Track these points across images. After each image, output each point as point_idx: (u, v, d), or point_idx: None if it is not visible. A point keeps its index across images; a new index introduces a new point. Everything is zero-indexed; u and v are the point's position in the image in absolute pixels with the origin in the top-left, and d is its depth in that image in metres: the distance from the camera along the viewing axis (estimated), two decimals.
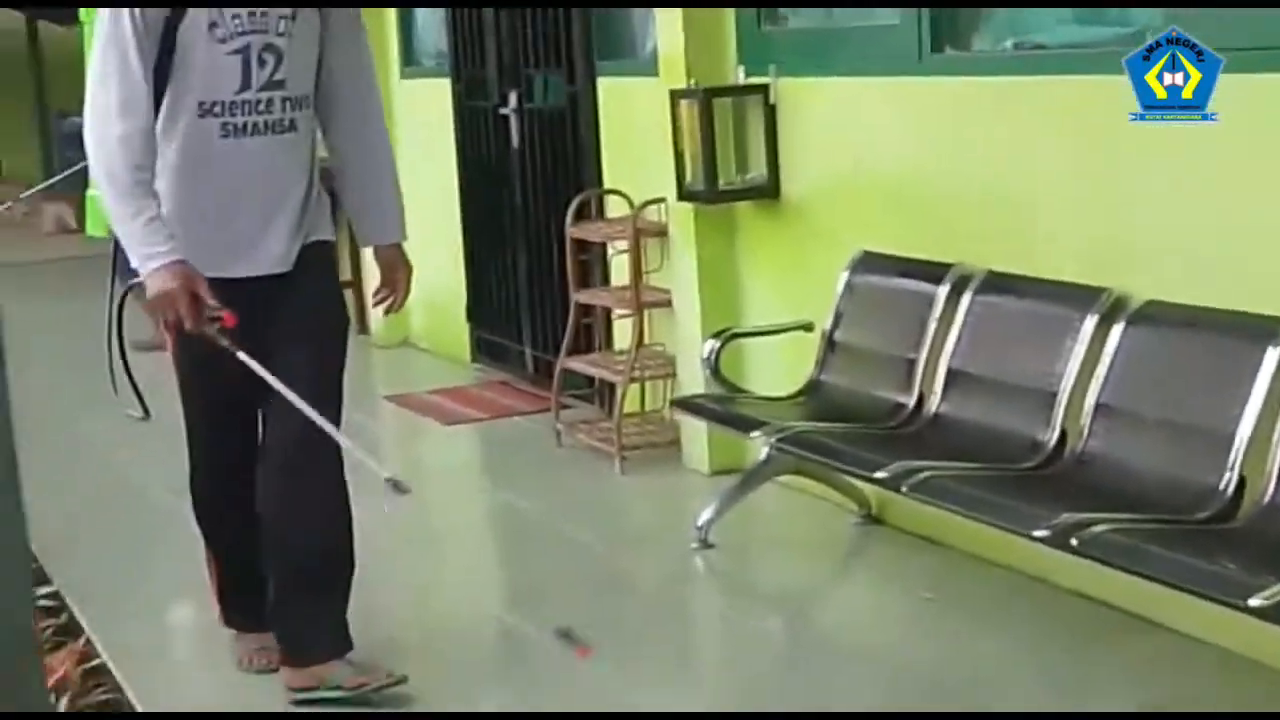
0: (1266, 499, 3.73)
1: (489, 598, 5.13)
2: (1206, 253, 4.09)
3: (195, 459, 4.24)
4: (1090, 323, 4.32)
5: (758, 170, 5.79)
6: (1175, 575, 3.48)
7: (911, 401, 4.86)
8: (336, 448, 3.97)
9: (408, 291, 4.33)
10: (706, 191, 5.81)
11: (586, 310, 6.77)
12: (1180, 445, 3.97)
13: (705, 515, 5.24)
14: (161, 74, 3.85)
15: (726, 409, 5.30)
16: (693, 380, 5.90)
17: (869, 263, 5.19)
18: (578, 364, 6.64)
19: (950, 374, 4.74)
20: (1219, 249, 4.05)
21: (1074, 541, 3.64)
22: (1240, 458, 3.79)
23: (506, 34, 7.65)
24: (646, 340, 6.44)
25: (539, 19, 7.31)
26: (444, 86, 8.35)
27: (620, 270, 6.67)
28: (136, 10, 3.81)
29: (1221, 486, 3.81)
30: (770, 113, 5.68)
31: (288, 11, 3.94)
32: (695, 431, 6.07)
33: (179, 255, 3.81)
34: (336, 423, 3.94)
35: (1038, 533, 3.74)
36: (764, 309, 5.81)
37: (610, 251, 6.77)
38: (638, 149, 6.57)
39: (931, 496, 4.19)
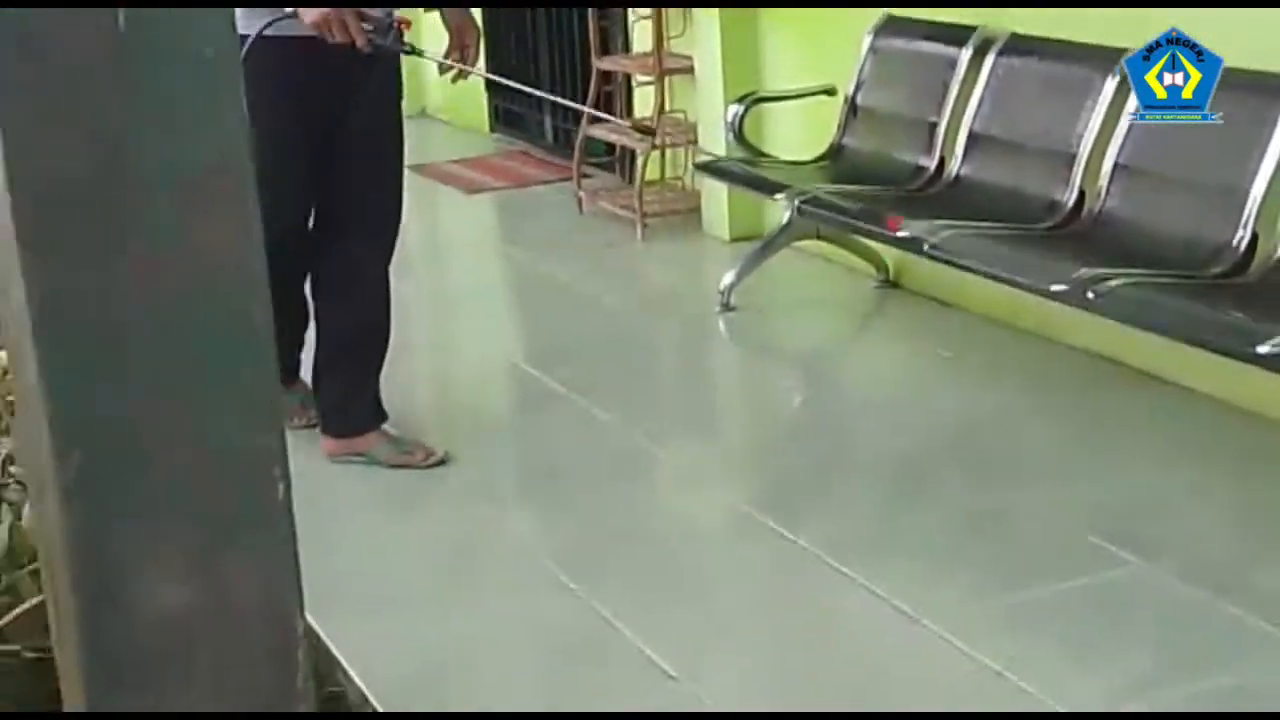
0: (1278, 253, 3.84)
1: (514, 353, 5.28)
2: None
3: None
4: (1111, 84, 4.38)
5: None
6: (1186, 326, 3.61)
7: (933, 164, 4.95)
8: (392, 226, 4.07)
9: (477, 56, 4.20)
10: None
11: (607, 78, 6.80)
12: (1195, 203, 4.07)
13: (727, 279, 5.36)
14: None
15: (749, 172, 5.39)
16: (715, 147, 5.98)
17: (892, 26, 5.23)
18: (600, 131, 6.70)
19: (971, 136, 4.82)
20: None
21: (1090, 295, 3.76)
22: (1254, 214, 3.89)
23: None
24: (668, 107, 6.49)
25: None
26: None
27: (642, 37, 6.70)
28: None
29: (1234, 242, 3.92)
30: None
31: None
32: (716, 198, 6.17)
33: None
34: (399, 204, 4.06)
35: (1055, 287, 3.87)
36: (787, 74, 5.85)
37: (631, 18, 6.78)
38: None
39: (951, 254, 4.31)
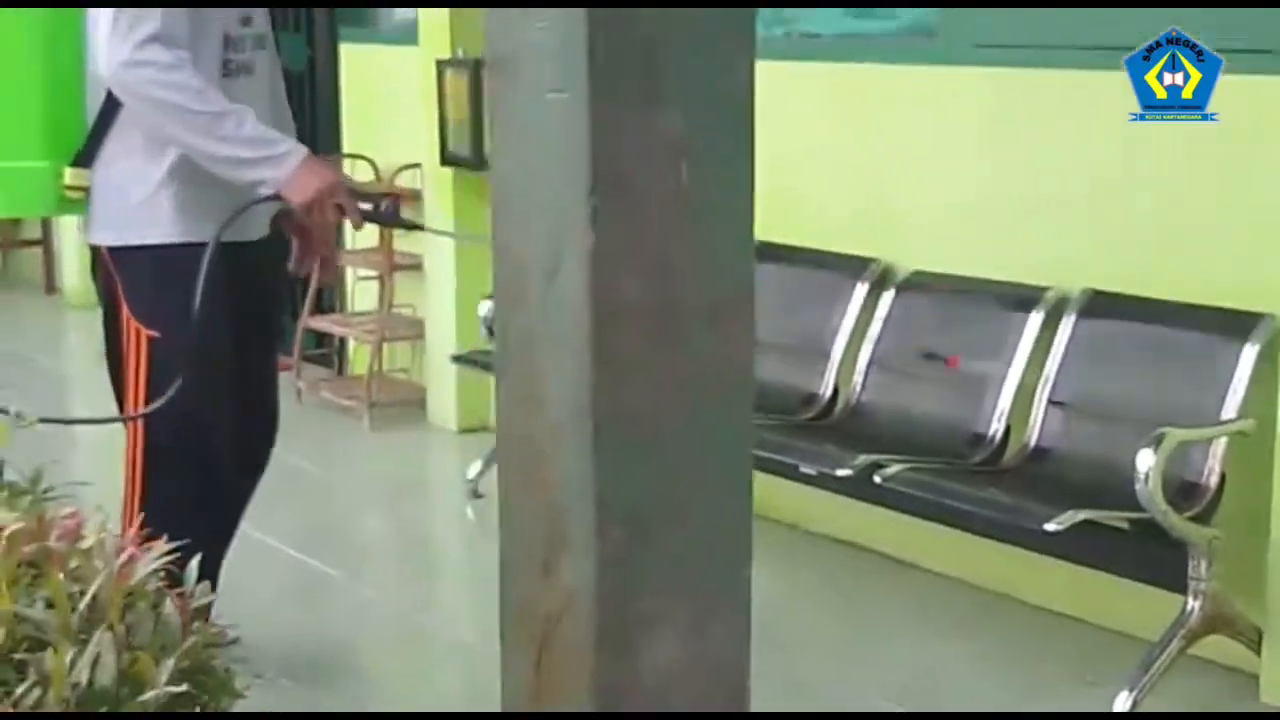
0: (1032, 444, 4.24)
1: (274, 539, 5.25)
2: (969, 227, 4.60)
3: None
4: (862, 289, 4.78)
5: None
6: (972, 511, 3.93)
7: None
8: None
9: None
10: (473, 158, 6.05)
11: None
12: (951, 397, 4.45)
13: (475, 467, 5.48)
14: None
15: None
16: (443, 341, 6.17)
17: None
18: (322, 324, 6.77)
19: None
20: (981, 224, 4.57)
21: (876, 479, 4.06)
22: (1008, 408, 4.30)
23: None
24: (395, 302, 6.62)
25: None
26: None
27: (363, 234, 6.82)
28: None
29: (990, 433, 4.32)
30: None
31: None
32: (444, 389, 6.31)
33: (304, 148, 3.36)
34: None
35: (841, 471, 4.15)
36: None
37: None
38: (383, 115, 6.76)
39: None
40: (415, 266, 6.49)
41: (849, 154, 4.91)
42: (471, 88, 6.00)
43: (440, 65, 6.12)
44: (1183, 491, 3.78)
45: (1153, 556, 3.80)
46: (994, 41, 4.49)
